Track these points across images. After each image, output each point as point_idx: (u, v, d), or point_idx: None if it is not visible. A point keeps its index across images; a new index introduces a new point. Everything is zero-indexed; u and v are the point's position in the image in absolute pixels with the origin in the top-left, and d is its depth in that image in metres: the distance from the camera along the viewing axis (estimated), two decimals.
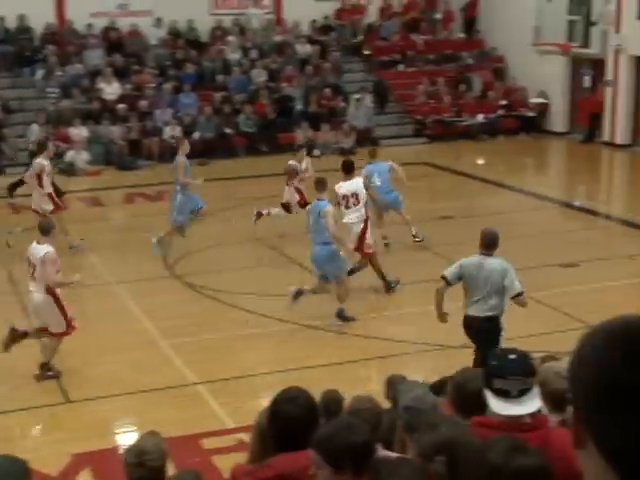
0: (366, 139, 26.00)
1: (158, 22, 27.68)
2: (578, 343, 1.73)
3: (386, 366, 10.40)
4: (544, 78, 27.54)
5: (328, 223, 12.02)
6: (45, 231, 10.73)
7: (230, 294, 13.49)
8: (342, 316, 12.43)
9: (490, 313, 9.59)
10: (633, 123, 25.45)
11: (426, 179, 21.76)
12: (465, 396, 4.72)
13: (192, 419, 9.66)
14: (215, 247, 16.17)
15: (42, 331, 10.81)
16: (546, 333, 11.59)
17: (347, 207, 13.42)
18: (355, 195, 13.46)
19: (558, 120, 27.84)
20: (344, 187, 13.45)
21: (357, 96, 26.73)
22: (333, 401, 6.55)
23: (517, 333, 11.40)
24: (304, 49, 28.48)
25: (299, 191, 16.82)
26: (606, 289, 13.79)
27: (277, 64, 27.73)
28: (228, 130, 25.03)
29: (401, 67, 29.34)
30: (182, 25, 28.11)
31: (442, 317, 9.91)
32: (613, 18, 24.90)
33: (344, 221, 13.41)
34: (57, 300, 10.61)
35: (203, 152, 24.38)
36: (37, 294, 10.67)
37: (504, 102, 27.94)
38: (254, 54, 27.97)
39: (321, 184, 12.39)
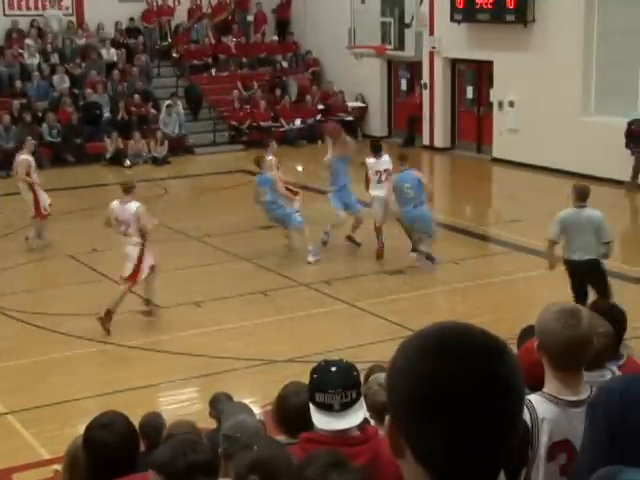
0: (179, 147, 26.00)
1: None
2: (394, 353, 1.81)
3: (211, 384, 10.42)
4: (361, 81, 28.20)
5: (428, 186, 15.16)
6: (128, 190, 12.60)
7: (39, 315, 13.18)
8: (430, 258, 15.06)
9: (592, 256, 11.26)
10: (451, 126, 26.40)
11: (244, 187, 21.86)
12: (287, 411, 4.77)
13: (3, 452, 9.39)
14: (20, 265, 15.73)
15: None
16: (374, 342, 11.86)
17: (379, 181, 15.81)
18: (387, 171, 15.86)
19: (377, 124, 28.57)
20: (381, 163, 15.95)
21: (168, 102, 26.59)
22: (151, 425, 6.51)
23: (344, 343, 11.67)
24: (109, 53, 28.12)
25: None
26: (433, 295, 14.27)
27: (81, 69, 27.28)
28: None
29: (213, 71, 29.43)
30: None
31: (552, 266, 11.95)
32: (426, 20, 25.78)
33: (374, 193, 15.85)
34: (142, 253, 12.59)
35: (3, 164, 23.68)
36: (133, 247, 12.58)
37: (322, 106, 28.45)
38: (55, 58, 27.41)
39: (405, 156, 15.37)
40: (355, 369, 4.40)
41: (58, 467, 8.84)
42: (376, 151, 16.13)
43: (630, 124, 20.56)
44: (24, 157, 16.65)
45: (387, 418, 1.83)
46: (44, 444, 9.50)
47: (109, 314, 12.47)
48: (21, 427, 9.97)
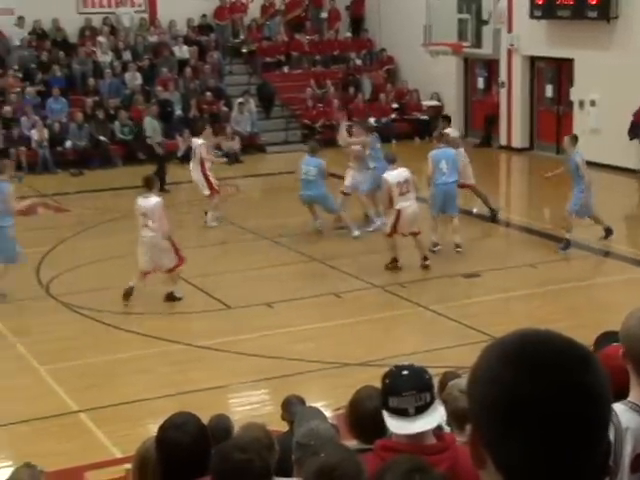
0: (251, 146, 26.17)
1: (20, 21, 27.22)
2: (475, 360, 1.81)
3: (282, 386, 10.47)
4: (437, 80, 28.07)
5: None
6: (393, 160, 15.25)
7: (112, 314, 13.39)
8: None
9: None
10: (529, 126, 26.17)
11: None
12: (360, 415, 4.75)
13: (75, 450, 9.56)
14: (93, 264, 16.00)
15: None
16: (448, 347, 11.84)
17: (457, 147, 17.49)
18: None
19: (453, 123, 28.34)
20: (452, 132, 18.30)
21: (240, 100, 26.78)
22: (220, 427, 6.54)
23: (418, 347, 11.67)
24: (181, 50, 28.42)
25: None
26: (509, 299, 14.19)
27: (153, 66, 27.60)
28: (102, 138, 24.78)
29: (286, 69, 29.57)
30: (47, 24, 27.73)
31: None
32: (505, 17, 25.61)
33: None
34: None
35: (76, 162, 24.12)
36: (415, 205, 14.94)
37: (396, 105, 28.42)
38: (127, 56, 27.80)
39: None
40: (427, 372, 4.41)
41: (129, 467, 9.02)
42: (448, 122, 18.56)
43: (634, 115, 21.09)
44: (202, 142, 18.51)
45: (468, 427, 1.83)
46: (116, 443, 9.65)
47: (425, 258, 15.08)
48: (93, 425, 10.14)
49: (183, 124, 25.79)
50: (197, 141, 18.82)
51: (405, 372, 4.28)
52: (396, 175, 14.86)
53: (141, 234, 13.79)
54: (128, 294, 13.76)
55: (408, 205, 14.79)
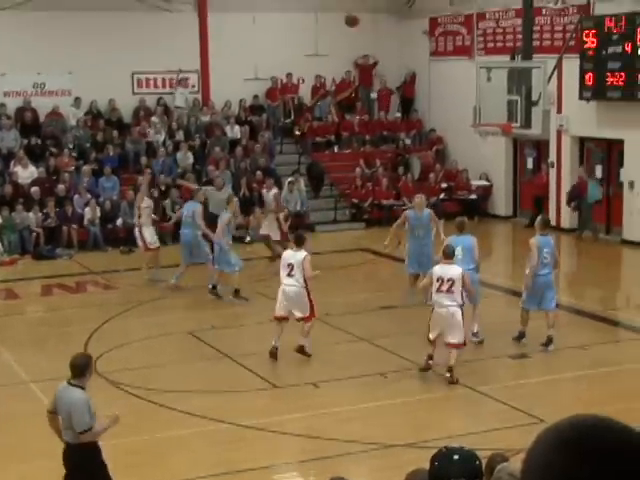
0: (300, 225, 26.27)
1: (77, 102, 27.80)
2: (529, 445, 1.78)
3: (327, 467, 10.39)
4: (486, 160, 28.17)
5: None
6: (449, 256, 13.87)
7: (159, 392, 13.39)
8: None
9: None
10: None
11: (364, 266, 22.00)
12: None
13: None
14: (141, 341, 16.08)
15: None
16: (495, 429, 11.69)
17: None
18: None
19: (501, 203, 28.43)
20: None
21: (290, 179, 27.00)
22: None
23: (465, 429, 11.52)
24: (233, 130, 28.80)
25: None
26: (558, 382, 14.00)
27: (204, 145, 27.97)
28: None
29: (336, 148, 29.83)
30: (103, 105, 28.30)
31: None
32: (554, 98, 25.68)
33: None
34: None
35: (126, 240, 24.36)
36: (453, 310, 13.51)
37: (445, 185, 28.48)
38: (180, 135, 28.21)
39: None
40: (477, 458, 4.34)
41: None
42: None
43: None
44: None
45: None
46: None
47: (451, 370, 13.60)
48: None
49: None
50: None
51: (455, 457, 4.23)
52: (444, 270, 13.66)
53: (284, 283, 14.69)
54: (273, 354, 14.71)
55: (444, 305, 13.57)
